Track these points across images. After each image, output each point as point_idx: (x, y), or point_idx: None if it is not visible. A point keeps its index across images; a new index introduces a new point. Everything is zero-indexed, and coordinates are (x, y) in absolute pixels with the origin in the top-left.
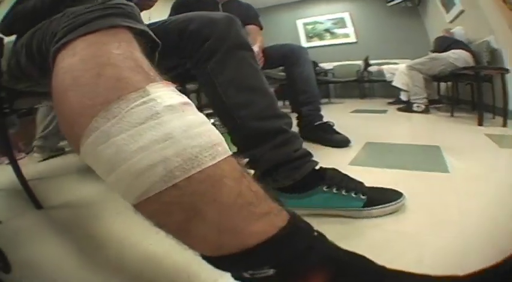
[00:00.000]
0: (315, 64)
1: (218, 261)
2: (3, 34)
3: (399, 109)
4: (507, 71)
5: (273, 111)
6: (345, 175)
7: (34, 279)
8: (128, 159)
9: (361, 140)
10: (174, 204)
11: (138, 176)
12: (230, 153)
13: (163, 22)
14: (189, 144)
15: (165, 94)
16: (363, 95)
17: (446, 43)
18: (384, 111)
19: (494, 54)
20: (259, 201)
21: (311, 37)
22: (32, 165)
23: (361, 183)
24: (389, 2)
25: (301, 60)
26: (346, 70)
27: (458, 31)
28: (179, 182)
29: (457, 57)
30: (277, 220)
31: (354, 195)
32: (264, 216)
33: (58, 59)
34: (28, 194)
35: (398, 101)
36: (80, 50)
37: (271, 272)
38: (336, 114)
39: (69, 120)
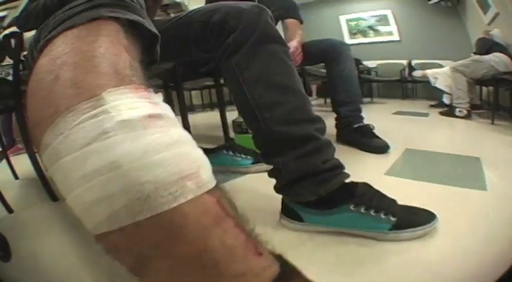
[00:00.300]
0: (358, 62)
1: None
2: (21, 29)
3: (441, 113)
4: None
5: (304, 114)
6: (377, 192)
7: (32, 272)
8: (71, 190)
9: (401, 145)
10: (122, 250)
11: (84, 209)
12: (209, 186)
13: (187, 13)
14: (140, 179)
15: (126, 103)
16: (405, 96)
17: (487, 45)
18: (426, 115)
19: None
20: (233, 259)
21: (354, 34)
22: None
23: (393, 201)
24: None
25: (342, 56)
26: (390, 69)
27: (497, 33)
28: (125, 226)
29: (498, 60)
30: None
31: (383, 217)
32: (234, 279)
33: (40, 57)
34: (44, 184)
35: (440, 104)
36: (55, 47)
37: None
38: (378, 115)
39: (30, 129)
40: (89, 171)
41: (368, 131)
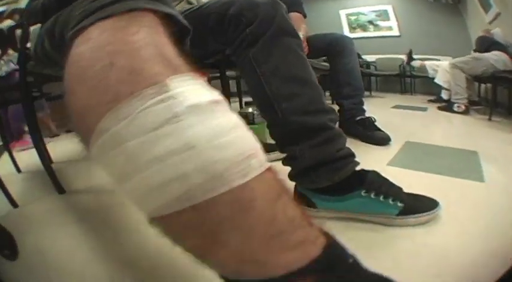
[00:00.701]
0: (358, 56)
1: None
2: (27, 22)
3: (439, 108)
4: None
5: (319, 105)
6: (385, 179)
7: (40, 269)
8: (140, 171)
9: (401, 138)
10: (190, 228)
11: (151, 191)
12: (267, 165)
13: (201, 5)
14: (214, 158)
15: (190, 90)
16: (403, 90)
17: (486, 43)
18: (424, 109)
19: None
20: (294, 228)
21: (354, 28)
22: (61, 147)
23: (400, 188)
24: None
25: (346, 50)
26: (389, 63)
27: (498, 32)
28: (198, 203)
29: (497, 59)
30: (310, 249)
31: (391, 202)
32: (296, 246)
33: (72, 46)
34: (51, 177)
35: (439, 99)
36: (94, 36)
37: None
38: (377, 109)
39: (77, 116)
40: (162, 152)
41: (370, 123)
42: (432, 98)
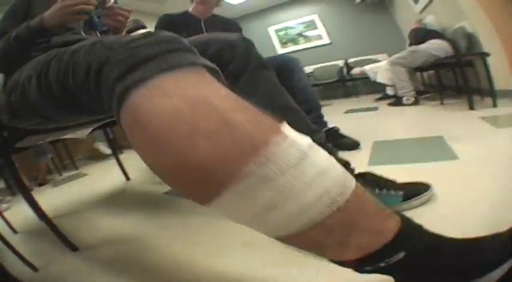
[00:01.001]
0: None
1: (360, 261)
2: None
3: (390, 104)
4: (487, 54)
5: (307, 127)
6: (381, 176)
7: None
8: (294, 196)
9: (367, 140)
10: (337, 224)
11: (306, 209)
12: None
13: None
14: (337, 173)
15: (295, 134)
16: (347, 94)
17: (421, 35)
18: (375, 109)
19: (471, 38)
20: (382, 205)
21: (285, 43)
22: (44, 198)
23: (394, 180)
24: None
25: (295, 70)
26: (327, 71)
27: (430, 20)
28: (340, 205)
29: (436, 47)
30: (397, 216)
31: (392, 193)
32: (391, 216)
33: (135, 98)
34: (58, 235)
35: (385, 96)
36: (172, 89)
37: (402, 255)
38: (331, 117)
39: (195, 170)
40: (308, 179)
41: (336, 133)
42: (378, 96)
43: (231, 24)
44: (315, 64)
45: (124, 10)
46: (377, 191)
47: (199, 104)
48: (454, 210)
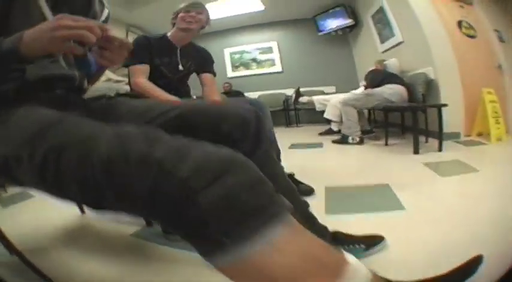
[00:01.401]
0: (241, 94)
1: None
2: None
3: (334, 141)
4: (445, 105)
5: (305, 204)
6: (347, 234)
7: None
8: None
9: (318, 183)
10: None
11: None
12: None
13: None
14: None
15: (356, 260)
16: (288, 123)
17: (379, 77)
18: (321, 145)
19: (430, 85)
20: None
21: (237, 66)
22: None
23: (354, 235)
24: (321, 31)
25: (265, 115)
26: (272, 99)
27: (393, 63)
28: None
29: (392, 92)
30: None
31: (357, 247)
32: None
33: (249, 256)
34: (39, 275)
35: (330, 132)
36: (283, 245)
37: None
38: None
39: None
40: None
41: (291, 178)
42: (322, 131)
43: (205, 57)
44: (261, 91)
45: (126, 42)
46: (346, 247)
47: (309, 259)
48: (403, 256)
